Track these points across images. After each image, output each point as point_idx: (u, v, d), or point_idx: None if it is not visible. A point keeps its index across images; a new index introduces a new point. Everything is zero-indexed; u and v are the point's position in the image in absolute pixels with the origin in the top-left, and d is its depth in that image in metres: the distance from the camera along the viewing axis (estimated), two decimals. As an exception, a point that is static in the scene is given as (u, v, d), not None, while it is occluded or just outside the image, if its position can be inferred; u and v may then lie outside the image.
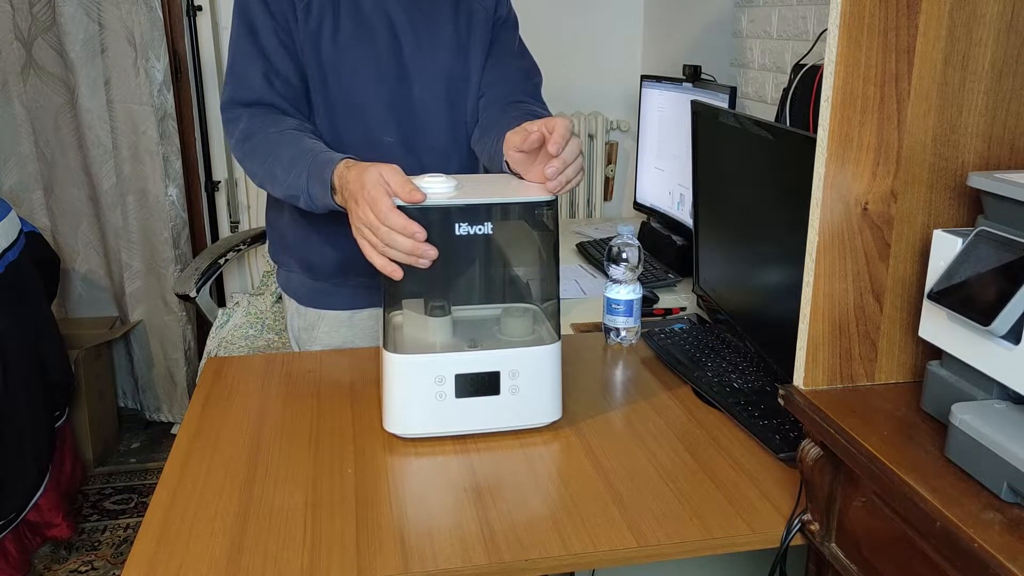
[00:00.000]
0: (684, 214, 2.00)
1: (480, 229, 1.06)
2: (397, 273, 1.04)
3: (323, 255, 1.41)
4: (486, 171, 1.39)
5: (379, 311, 1.37)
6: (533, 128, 1.10)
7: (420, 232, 1.01)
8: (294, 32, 1.28)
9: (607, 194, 2.88)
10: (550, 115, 1.32)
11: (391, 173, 1.03)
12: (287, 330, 1.51)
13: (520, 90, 1.40)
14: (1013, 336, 0.69)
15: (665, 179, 2.13)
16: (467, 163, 1.44)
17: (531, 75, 1.44)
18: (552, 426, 1.13)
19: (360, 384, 1.26)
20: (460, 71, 1.38)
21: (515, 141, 1.13)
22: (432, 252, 1.02)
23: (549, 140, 1.08)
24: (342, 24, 1.29)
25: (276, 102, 1.29)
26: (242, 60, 1.30)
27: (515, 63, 1.44)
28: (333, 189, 1.13)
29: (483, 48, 1.40)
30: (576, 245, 2.15)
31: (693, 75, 2.04)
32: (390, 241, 1.02)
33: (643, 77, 2.28)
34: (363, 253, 1.05)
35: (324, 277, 1.43)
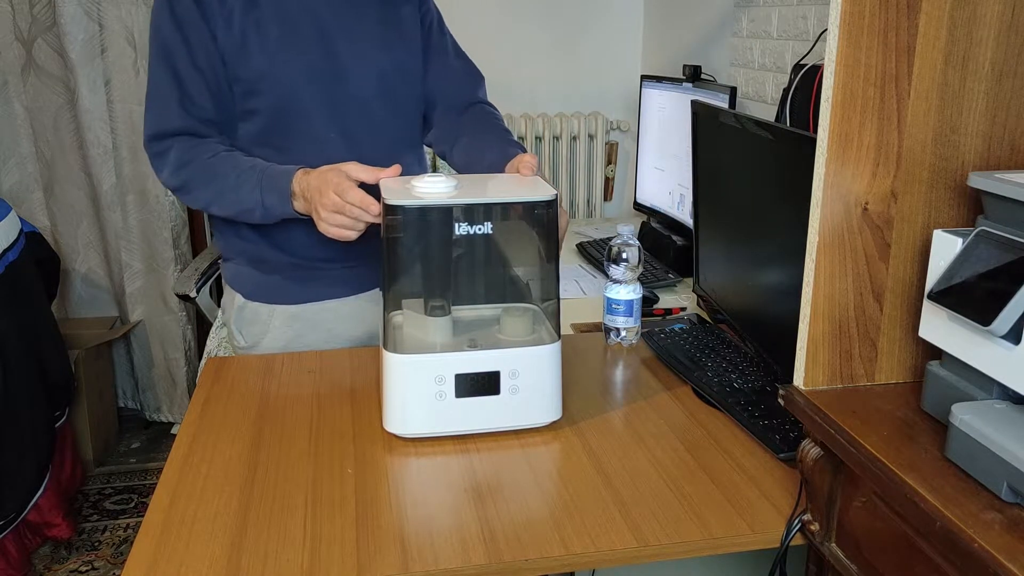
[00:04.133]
0: (684, 214, 2.00)
1: (480, 229, 1.06)
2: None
3: (277, 248, 1.40)
4: (455, 169, 1.45)
5: (329, 304, 1.43)
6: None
7: (375, 206, 1.13)
8: (210, 50, 1.28)
9: (607, 194, 2.88)
10: (498, 113, 1.51)
11: (352, 166, 1.19)
12: (228, 323, 1.48)
13: (469, 93, 1.51)
14: (1013, 336, 0.69)
15: (665, 179, 2.13)
16: (413, 156, 1.47)
17: (475, 76, 1.53)
18: (552, 426, 1.13)
19: (360, 384, 1.26)
20: (392, 64, 1.40)
21: None
22: (368, 217, 1.15)
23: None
24: (268, 31, 1.29)
25: (196, 128, 1.30)
26: (158, 90, 1.31)
27: (457, 66, 1.51)
28: (293, 195, 1.22)
29: (415, 39, 1.43)
30: (576, 245, 2.15)
31: (693, 75, 2.04)
32: (356, 215, 1.15)
33: (643, 77, 2.28)
34: (338, 240, 1.18)
35: (275, 270, 1.42)
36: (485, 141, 1.39)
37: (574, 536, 0.90)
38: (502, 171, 1.27)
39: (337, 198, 1.15)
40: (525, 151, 1.30)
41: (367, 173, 1.18)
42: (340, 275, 1.42)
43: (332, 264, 1.41)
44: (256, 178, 1.25)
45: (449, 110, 1.48)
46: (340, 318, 1.44)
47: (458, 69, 1.50)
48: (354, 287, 1.44)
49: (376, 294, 1.44)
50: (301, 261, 1.40)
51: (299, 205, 1.23)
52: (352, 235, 1.18)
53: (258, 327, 1.44)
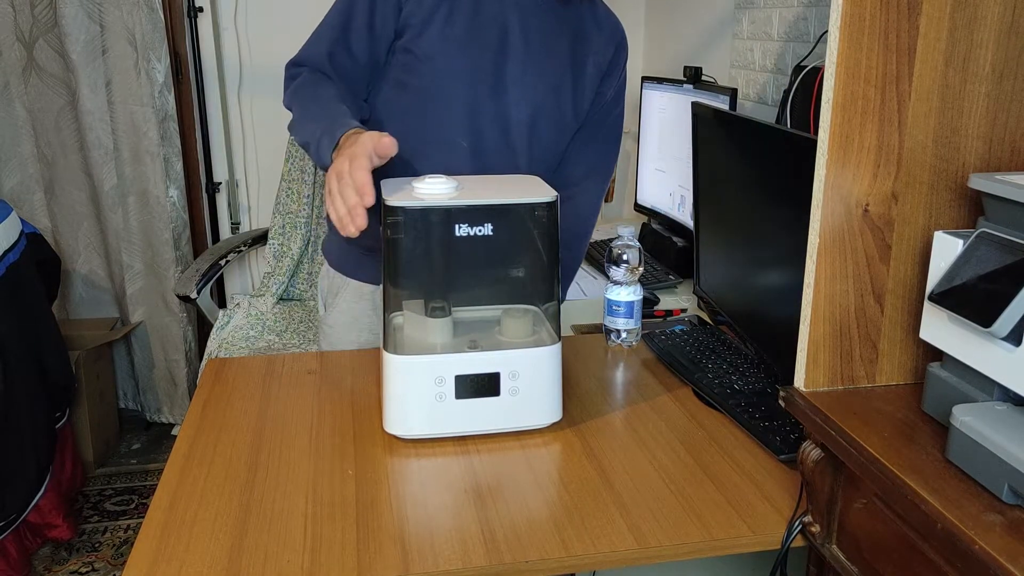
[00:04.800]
0: (685, 215, 2.00)
1: (480, 230, 1.06)
2: (344, 229, 1.07)
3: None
4: None
5: None
6: None
7: (370, 196, 1.05)
8: (388, 18, 1.30)
9: (608, 195, 2.88)
10: (587, 231, 1.51)
11: (379, 135, 1.10)
12: (316, 289, 1.54)
13: (584, 178, 1.48)
14: (1014, 338, 0.69)
15: (666, 181, 2.13)
16: None
17: (602, 169, 1.50)
18: (552, 427, 1.13)
19: (360, 385, 1.26)
20: (551, 105, 1.38)
21: None
22: (360, 220, 1.05)
23: None
24: (456, 19, 1.30)
25: (332, 76, 1.33)
26: (325, 28, 1.34)
27: (595, 149, 1.48)
28: (337, 146, 1.18)
29: (584, 95, 1.41)
30: (577, 246, 2.15)
31: (694, 77, 2.04)
32: (342, 190, 1.07)
33: (644, 78, 2.28)
34: (325, 202, 1.11)
35: (355, 241, 1.43)
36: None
37: (574, 537, 0.90)
38: None
39: (345, 166, 1.08)
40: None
41: (379, 145, 1.09)
42: None
43: None
44: (329, 120, 1.23)
45: (568, 181, 1.46)
46: None
47: (594, 152, 1.48)
48: None
49: None
50: (374, 242, 1.40)
51: (336, 155, 1.17)
52: (333, 213, 1.08)
53: (331, 297, 1.49)
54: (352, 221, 1.06)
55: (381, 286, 1.42)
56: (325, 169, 1.21)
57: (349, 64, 1.33)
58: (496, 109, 1.34)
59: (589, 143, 1.47)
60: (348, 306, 1.47)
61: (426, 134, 1.33)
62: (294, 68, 1.36)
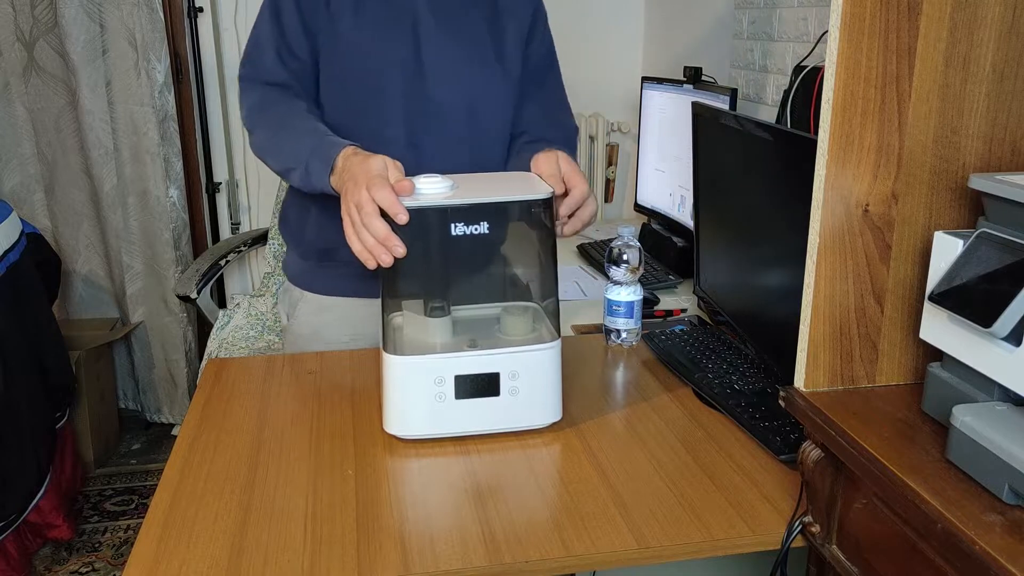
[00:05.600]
0: (685, 216, 2.00)
1: (477, 229, 1.06)
2: (370, 262, 1.04)
3: (314, 234, 1.42)
4: None
5: (357, 301, 1.42)
6: (558, 183, 1.16)
7: (403, 215, 1.02)
8: (319, 14, 1.29)
9: (608, 196, 2.88)
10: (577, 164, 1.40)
11: (394, 164, 1.08)
12: (278, 304, 1.55)
13: (547, 140, 1.41)
14: (1014, 338, 0.69)
15: (666, 181, 2.13)
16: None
17: (571, 128, 1.47)
18: (552, 427, 1.13)
19: (360, 385, 1.26)
20: (481, 83, 1.37)
21: (542, 168, 1.20)
22: (400, 249, 1.02)
23: (568, 197, 1.18)
24: (367, 10, 1.29)
25: (289, 82, 1.31)
26: (261, 37, 1.32)
27: (558, 115, 1.46)
28: (333, 170, 1.15)
29: (513, 62, 1.39)
30: (577, 247, 2.15)
31: (694, 77, 2.04)
32: (368, 223, 1.02)
33: (644, 79, 2.28)
34: (345, 235, 1.06)
35: (310, 256, 1.45)
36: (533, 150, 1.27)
37: (574, 537, 0.90)
38: (535, 152, 1.23)
39: (366, 196, 1.03)
40: (568, 152, 1.25)
41: (399, 184, 1.06)
42: (368, 274, 1.43)
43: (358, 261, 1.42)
44: (315, 140, 1.21)
45: (526, 146, 1.40)
46: (365, 318, 1.44)
47: (556, 120, 1.45)
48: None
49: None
50: (333, 250, 1.40)
51: (335, 180, 1.15)
52: (356, 245, 1.04)
53: (291, 309, 1.49)
54: (390, 251, 1.02)
55: (343, 298, 1.44)
56: (314, 193, 1.21)
57: (297, 66, 1.31)
58: (423, 94, 1.33)
59: (536, 107, 1.44)
60: (307, 319, 1.47)
61: (355, 128, 1.30)
62: (247, 83, 1.33)
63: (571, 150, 1.37)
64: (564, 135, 1.44)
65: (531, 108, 1.44)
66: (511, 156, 1.42)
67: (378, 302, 1.42)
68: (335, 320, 1.45)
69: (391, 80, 1.32)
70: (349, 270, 1.38)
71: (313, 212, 1.40)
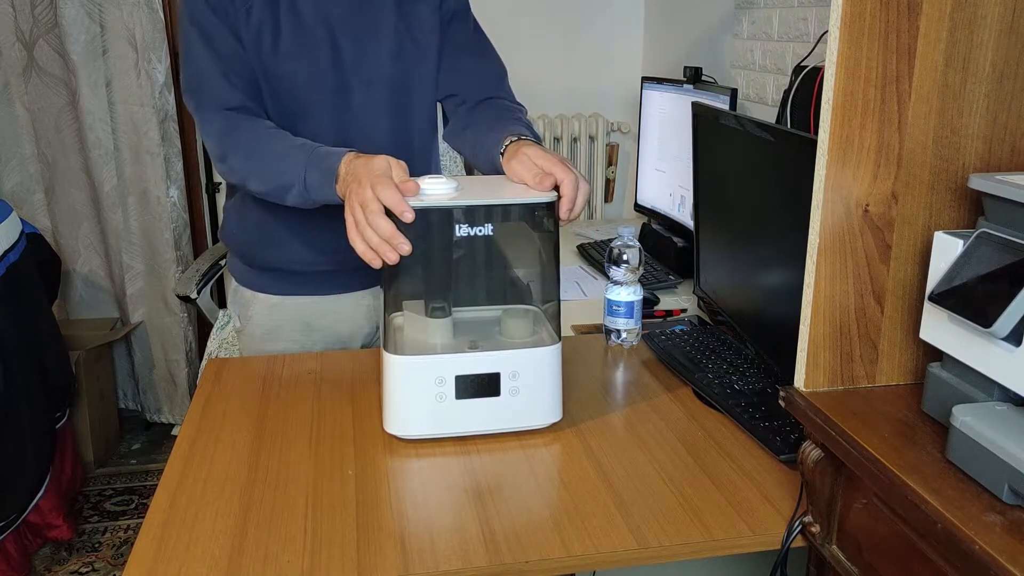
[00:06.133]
0: (685, 216, 2.00)
1: (480, 230, 1.06)
2: (375, 261, 1.03)
3: (262, 246, 1.43)
4: (467, 167, 1.41)
5: (308, 299, 1.45)
6: (546, 181, 1.10)
7: (409, 213, 1.01)
8: (242, 35, 1.28)
9: (608, 196, 2.88)
10: (519, 107, 1.40)
11: (397, 163, 1.08)
12: (230, 305, 1.55)
13: (487, 87, 1.42)
14: (1014, 338, 0.69)
15: (666, 181, 2.13)
16: (423, 165, 1.46)
17: (494, 70, 1.45)
18: (553, 427, 1.13)
19: (360, 385, 1.26)
20: (403, 78, 1.37)
21: (523, 175, 1.13)
22: (406, 247, 1.02)
23: (563, 196, 1.09)
24: (283, 32, 1.29)
25: (245, 103, 1.28)
26: (200, 64, 1.28)
27: (474, 60, 1.44)
28: (337, 179, 1.13)
29: (431, 45, 1.39)
30: (577, 247, 2.15)
31: (694, 77, 2.04)
32: (372, 221, 1.02)
33: (644, 79, 2.28)
34: (348, 235, 1.05)
35: (256, 265, 1.47)
36: (490, 127, 1.29)
37: (575, 537, 0.90)
38: (500, 144, 1.20)
39: (371, 194, 1.02)
40: (533, 135, 1.23)
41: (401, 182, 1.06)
42: (322, 277, 1.44)
43: (313, 266, 1.43)
44: (306, 154, 1.18)
45: (461, 105, 1.42)
46: (319, 313, 1.46)
47: (475, 65, 1.44)
48: (337, 287, 1.46)
49: (359, 294, 1.48)
50: (282, 262, 1.43)
51: (341, 188, 1.13)
52: (360, 245, 1.03)
53: (244, 311, 1.50)
54: (395, 249, 1.01)
55: (298, 297, 1.45)
56: (316, 205, 1.19)
57: (245, 86, 1.28)
58: (347, 106, 1.33)
59: (462, 64, 1.43)
60: (261, 320, 1.47)
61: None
62: (204, 112, 1.28)
63: (525, 126, 1.31)
64: (494, 87, 1.42)
65: (459, 69, 1.43)
66: (458, 129, 1.40)
67: (330, 297, 1.45)
68: (288, 319, 1.46)
69: (314, 98, 1.32)
70: (296, 278, 1.42)
71: (253, 221, 1.40)
